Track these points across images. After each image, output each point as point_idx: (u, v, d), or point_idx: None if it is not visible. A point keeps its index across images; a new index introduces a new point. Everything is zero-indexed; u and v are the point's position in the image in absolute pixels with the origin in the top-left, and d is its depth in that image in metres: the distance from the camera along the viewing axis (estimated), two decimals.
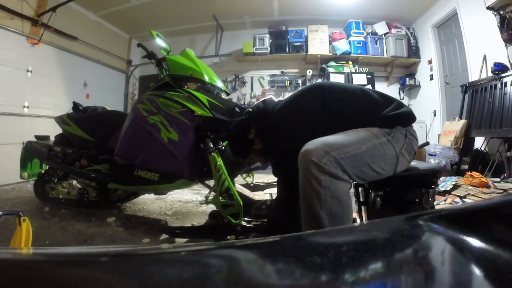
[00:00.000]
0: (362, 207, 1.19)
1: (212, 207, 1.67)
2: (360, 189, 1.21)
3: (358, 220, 1.33)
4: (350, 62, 4.81)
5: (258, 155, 1.25)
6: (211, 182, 1.66)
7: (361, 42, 4.79)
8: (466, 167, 3.17)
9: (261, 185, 2.28)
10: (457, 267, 0.27)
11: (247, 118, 1.24)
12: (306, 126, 1.05)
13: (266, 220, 1.59)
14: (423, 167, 1.12)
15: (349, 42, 4.79)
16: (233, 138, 1.28)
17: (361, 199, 1.21)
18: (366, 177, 0.98)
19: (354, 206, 1.25)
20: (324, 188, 0.87)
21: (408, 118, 1.08)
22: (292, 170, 0.97)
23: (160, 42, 1.77)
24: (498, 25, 2.94)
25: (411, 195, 1.10)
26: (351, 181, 0.95)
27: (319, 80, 5.07)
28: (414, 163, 1.14)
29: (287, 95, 5.09)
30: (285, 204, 1.15)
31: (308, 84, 5.12)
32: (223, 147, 1.65)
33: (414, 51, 4.84)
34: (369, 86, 4.58)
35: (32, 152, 2.32)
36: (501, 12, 2.88)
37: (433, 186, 1.07)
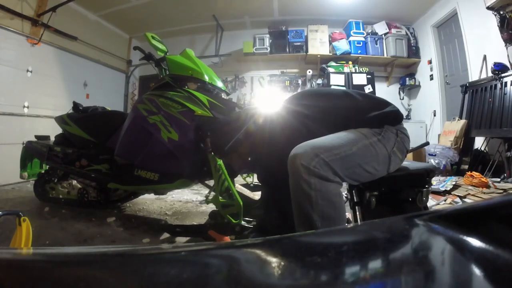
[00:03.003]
0: (357, 207, 1.20)
1: (212, 207, 1.67)
2: (353, 190, 1.22)
3: (352, 221, 1.33)
4: (350, 62, 4.81)
5: (239, 156, 1.26)
6: (211, 182, 1.66)
7: (361, 42, 4.79)
8: (466, 167, 3.17)
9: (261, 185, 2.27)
10: (457, 267, 0.27)
11: (238, 119, 1.25)
12: (292, 132, 1.07)
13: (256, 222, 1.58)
14: (416, 166, 1.13)
15: (349, 42, 4.79)
16: (220, 134, 1.29)
17: (355, 200, 1.21)
18: (359, 178, 0.98)
19: (349, 209, 1.26)
20: (315, 190, 0.87)
21: (394, 117, 1.08)
22: (276, 174, 0.98)
23: (156, 44, 1.76)
24: (498, 25, 2.94)
25: (405, 194, 1.11)
26: (342, 182, 0.95)
27: (319, 81, 5.07)
28: (408, 163, 1.14)
29: (287, 95, 5.09)
30: (271, 208, 1.16)
31: (308, 84, 5.12)
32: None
33: (414, 51, 4.84)
34: (369, 86, 4.59)
35: (32, 152, 2.32)
36: (501, 12, 2.88)
37: (426, 186, 1.07)
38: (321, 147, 0.91)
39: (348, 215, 1.34)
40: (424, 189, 1.06)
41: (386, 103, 1.10)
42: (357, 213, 1.19)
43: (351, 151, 0.93)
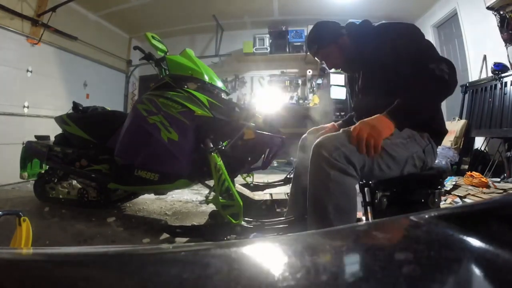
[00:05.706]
0: (368, 207, 1.19)
1: (212, 207, 1.67)
2: (366, 189, 1.21)
3: (364, 220, 1.32)
4: None
5: (338, 51, 1.25)
6: (211, 182, 1.66)
7: None
8: (466, 167, 3.17)
9: (261, 185, 2.27)
10: (457, 267, 0.27)
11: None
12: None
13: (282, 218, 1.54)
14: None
15: None
16: (324, 25, 1.30)
17: (367, 199, 1.20)
18: (371, 174, 0.99)
19: (360, 208, 1.25)
20: (333, 182, 0.90)
21: (443, 136, 1.16)
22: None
23: (156, 44, 1.76)
24: (498, 25, 2.94)
25: (417, 195, 1.10)
26: (358, 177, 0.97)
27: (319, 81, 5.07)
28: None
29: (287, 95, 5.10)
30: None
31: (308, 84, 5.12)
32: (223, 147, 1.65)
33: None
34: None
35: (32, 152, 2.32)
36: (501, 12, 2.88)
37: (439, 187, 1.07)
38: (344, 140, 0.94)
39: (360, 214, 1.33)
40: (436, 190, 1.06)
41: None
42: (369, 213, 1.19)
43: None
